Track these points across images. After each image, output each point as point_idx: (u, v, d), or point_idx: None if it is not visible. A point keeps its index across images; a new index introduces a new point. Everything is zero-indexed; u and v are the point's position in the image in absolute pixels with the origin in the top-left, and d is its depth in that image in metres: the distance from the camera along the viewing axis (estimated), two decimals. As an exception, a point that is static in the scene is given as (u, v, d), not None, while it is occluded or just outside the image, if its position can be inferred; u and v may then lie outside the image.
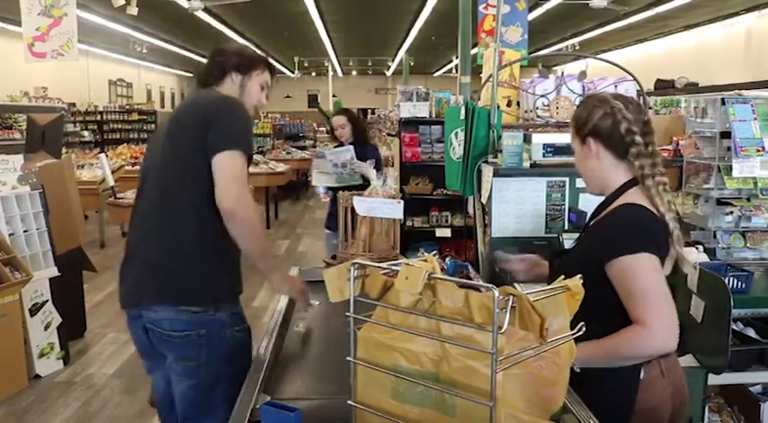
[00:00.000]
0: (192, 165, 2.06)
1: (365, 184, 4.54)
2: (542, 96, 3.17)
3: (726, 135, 3.00)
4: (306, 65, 25.04)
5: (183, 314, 2.03)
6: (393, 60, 24.33)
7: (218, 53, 2.34)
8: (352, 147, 4.58)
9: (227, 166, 2.03)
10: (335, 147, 4.93)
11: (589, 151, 1.81)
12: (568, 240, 2.64)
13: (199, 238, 2.08)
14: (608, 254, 1.68)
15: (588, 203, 2.94)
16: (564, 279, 1.28)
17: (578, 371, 1.51)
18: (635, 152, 1.75)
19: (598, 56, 4.15)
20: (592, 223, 1.87)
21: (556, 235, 2.89)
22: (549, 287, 1.27)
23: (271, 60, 2.45)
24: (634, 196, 1.76)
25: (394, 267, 1.24)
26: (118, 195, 7.00)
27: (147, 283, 2.10)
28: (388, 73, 28.20)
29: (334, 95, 26.01)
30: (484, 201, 3.01)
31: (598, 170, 1.83)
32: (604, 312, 1.63)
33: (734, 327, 2.76)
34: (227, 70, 2.30)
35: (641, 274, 1.63)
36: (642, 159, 1.75)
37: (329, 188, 4.83)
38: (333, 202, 4.91)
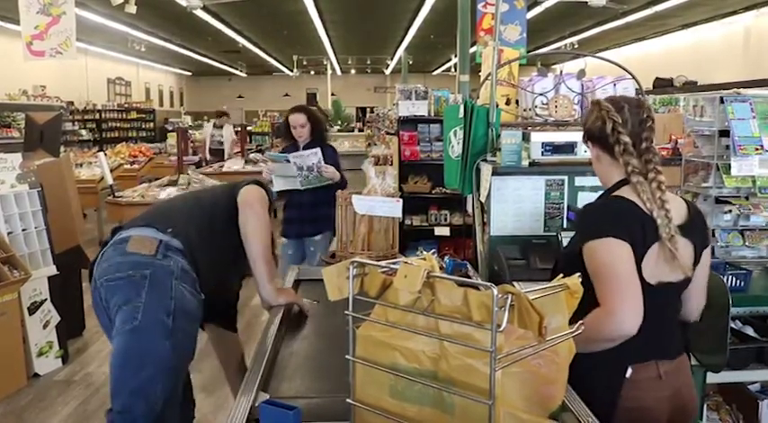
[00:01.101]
0: (223, 208, 2.39)
1: (335, 183, 4.33)
2: (541, 95, 3.17)
3: (724, 133, 3.00)
4: (305, 63, 25.03)
5: (130, 257, 2.11)
6: (392, 59, 24.33)
7: None
8: (319, 149, 4.27)
9: (250, 189, 2.39)
10: (286, 147, 4.63)
11: (594, 154, 1.91)
12: (567, 239, 2.64)
13: (198, 219, 2.34)
14: (580, 240, 1.76)
15: (587, 202, 2.94)
16: (562, 277, 1.29)
17: None
18: (619, 150, 1.79)
19: (597, 54, 4.15)
20: None
21: (554, 233, 2.89)
22: (548, 285, 1.27)
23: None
24: (623, 192, 1.80)
25: (393, 266, 1.24)
26: (116, 194, 6.98)
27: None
28: (387, 71, 28.19)
29: (332, 94, 26.01)
30: (483, 199, 3.01)
31: (600, 171, 1.92)
32: (589, 300, 1.61)
33: (732, 325, 2.76)
34: None
35: (604, 258, 1.68)
36: (627, 157, 1.79)
37: (283, 191, 4.45)
38: (286, 207, 4.61)
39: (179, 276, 2.12)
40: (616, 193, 1.81)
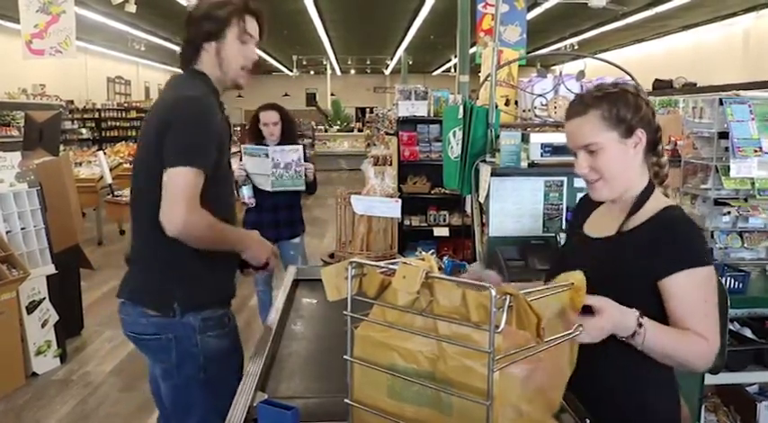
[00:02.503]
0: (155, 170, 1.92)
1: (309, 188, 4.21)
2: (540, 96, 3.18)
3: (723, 135, 3.01)
4: (304, 63, 25.04)
5: (152, 318, 2.02)
6: (392, 59, 24.33)
7: (187, 24, 2.08)
8: (301, 147, 4.15)
9: (172, 185, 1.86)
10: (254, 145, 4.28)
11: (633, 145, 1.60)
12: (566, 240, 2.64)
13: (158, 244, 1.93)
14: (672, 265, 1.52)
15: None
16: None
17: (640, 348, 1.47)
18: (662, 148, 1.67)
19: (596, 56, 4.15)
20: (630, 229, 1.63)
21: (553, 234, 2.90)
22: (554, 284, 1.28)
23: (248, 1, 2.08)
24: (663, 198, 1.66)
25: (391, 266, 1.24)
26: (116, 193, 7.01)
27: (125, 281, 2.12)
28: (387, 72, 28.20)
29: (332, 94, 26.03)
30: (482, 200, 3.01)
31: (632, 167, 1.63)
32: None
33: (731, 327, 2.77)
34: (199, 44, 2.05)
35: (711, 289, 1.53)
36: (666, 157, 1.68)
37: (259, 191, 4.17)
38: (253, 210, 4.23)
39: (202, 329, 2.04)
40: (667, 203, 1.63)
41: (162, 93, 2.17)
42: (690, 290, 1.51)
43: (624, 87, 1.64)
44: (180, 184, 1.86)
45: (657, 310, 1.53)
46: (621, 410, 1.54)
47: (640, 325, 1.43)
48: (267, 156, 4.04)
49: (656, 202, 1.62)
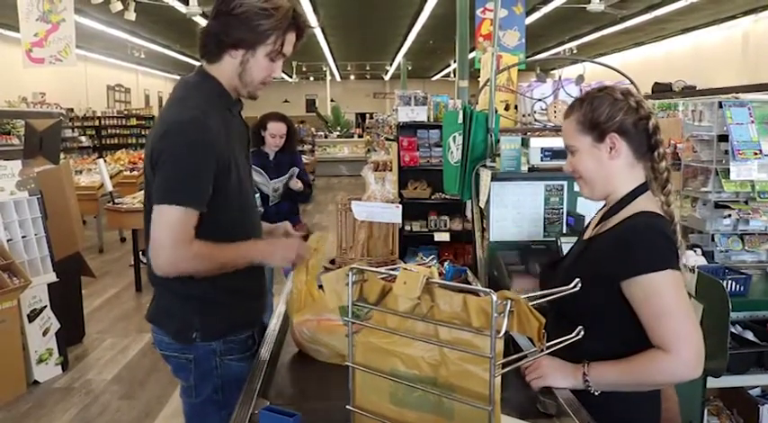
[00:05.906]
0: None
1: (303, 197, 4.62)
2: (540, 100, 3.18)
3: (723, 138, 3.01)
4: (304, 69, 25.08)
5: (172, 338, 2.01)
6: (391, 65, 24.37)
7: (221, 13, 1.80)
8: (296, 169, 4.52)
9: (156, 224, 1.74)
10: (253, 151, 4.37)
11: (607, 150, 1.61)
12: (566, 244, 2.64)
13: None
14: (627, 270, 1.51)
15: (586, 207, 2.94)
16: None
17: (596, 394, 1.51)
18: (662, 153, 1.61)
19: (596, 60, 4.16)
20: (600, 233, 1.68)
21: (554, 239, 2.89)
22: (559, 289, 1.28)
23: (295, 11, 1.82)
24: (646, 203, 1.61)
25: (392, 272, 1.24)
26: (116, 201, 6.99)
27: (152, 300, 2.06)
28: (386, 77, 28.25)
29: (332, 100, 26.07)
30: (482, 205, 3.01)
31: (610, 171, 1.63)
32: (616, 330, 1.56)
33: (732, 330, 2.76)
34: (225, 46, 1.83)
35: (669, 294, 1.47)
36: (666, 161, 1.62)
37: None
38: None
39: (223, 352, 1.99)
40: (645, 209, 1.59)
41: (164, 106, 1.98)
42: (649, 295, 1.48)
43: (610, 91, 1.64)
44: (160, 223, 1.73)
45: (626, 312, 1.53)
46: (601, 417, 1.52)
47: (586, 380, 1.50)
48: (270, 179, 4.36)
49: (635, 207, 1.61)
